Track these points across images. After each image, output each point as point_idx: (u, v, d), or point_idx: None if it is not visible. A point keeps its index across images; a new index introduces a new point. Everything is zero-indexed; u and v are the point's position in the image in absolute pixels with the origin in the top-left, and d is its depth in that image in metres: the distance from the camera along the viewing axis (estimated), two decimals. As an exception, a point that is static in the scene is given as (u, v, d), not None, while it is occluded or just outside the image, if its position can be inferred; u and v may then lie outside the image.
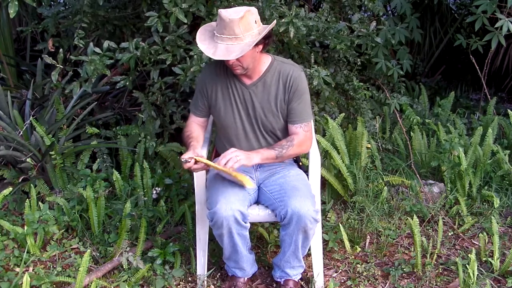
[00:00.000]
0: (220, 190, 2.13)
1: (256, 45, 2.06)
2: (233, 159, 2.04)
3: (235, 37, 1.99)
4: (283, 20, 2.71)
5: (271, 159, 2.19)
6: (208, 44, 2.05)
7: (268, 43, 2.15)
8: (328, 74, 2.93)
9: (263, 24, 2.12)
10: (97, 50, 2.73)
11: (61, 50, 2.93)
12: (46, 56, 2.84)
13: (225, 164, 2.04)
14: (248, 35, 2.01)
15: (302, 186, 2.20)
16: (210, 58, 2.40)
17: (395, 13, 4.31)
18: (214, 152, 2.49)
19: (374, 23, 3.12)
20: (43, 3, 3.42)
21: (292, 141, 2.21)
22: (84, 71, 2.69)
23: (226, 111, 2.23)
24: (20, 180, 3.00)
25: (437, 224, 2.73)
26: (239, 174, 2.06)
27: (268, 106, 2.20)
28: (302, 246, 2.18)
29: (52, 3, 3.71)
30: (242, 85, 2.21)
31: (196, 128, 2.32)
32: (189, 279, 2.45)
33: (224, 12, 2.00)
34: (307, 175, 2.34)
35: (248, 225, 2.14)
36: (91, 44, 2.72)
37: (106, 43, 2.76)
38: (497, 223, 2.80)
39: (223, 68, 2.22)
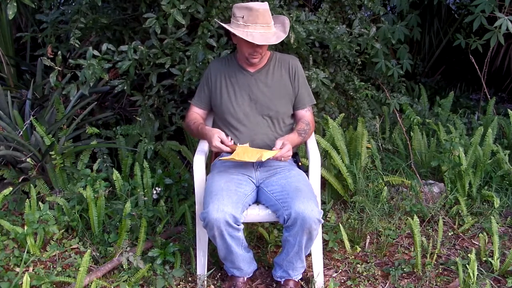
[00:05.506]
0: (214, 191, 2.14)
1: None
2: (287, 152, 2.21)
3: (267, 25, 2.20)
4: None
5: (298, 144, 2.37)
6: (241, 32, 2.19)
7: None
8: (327, 75, 2.92)
9: None
10: (96, 53, 2.74)
11: (59, 52, 2.93)
12: (44, 58, 2.85)
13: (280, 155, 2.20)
14: (272, 25, 2.23)
15: (304, 187, 2.20)
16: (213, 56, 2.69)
17: (395, 12, 4.30)
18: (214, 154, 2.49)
19: (374, 28, 3.11)
20: (43, 5, 3.41)
21: (308, 124, 2.40)
22: (83, 75, 2.70)
23: (228, 96, 2.36)
24: (20, 180, 3.00)
25: (437, 224, 2.73)
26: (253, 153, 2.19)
27: (273, 90, 2.36)
28: (305, 247, 2.18)
29: (52, 4, 3.70)
30: (247, 72, 2.37)
31: (200, 117, 2.46)
32: (189, 279, 2.45)
33: (255, 4, 2.19)
34: (307, 175, 2.34)
35: (241, 226, 2.14)
36: (90, 48, 2.73)
37: (104, 46, 2.76)
38: (497, 223, 2.81)
39: (228, 62, 2.42)
